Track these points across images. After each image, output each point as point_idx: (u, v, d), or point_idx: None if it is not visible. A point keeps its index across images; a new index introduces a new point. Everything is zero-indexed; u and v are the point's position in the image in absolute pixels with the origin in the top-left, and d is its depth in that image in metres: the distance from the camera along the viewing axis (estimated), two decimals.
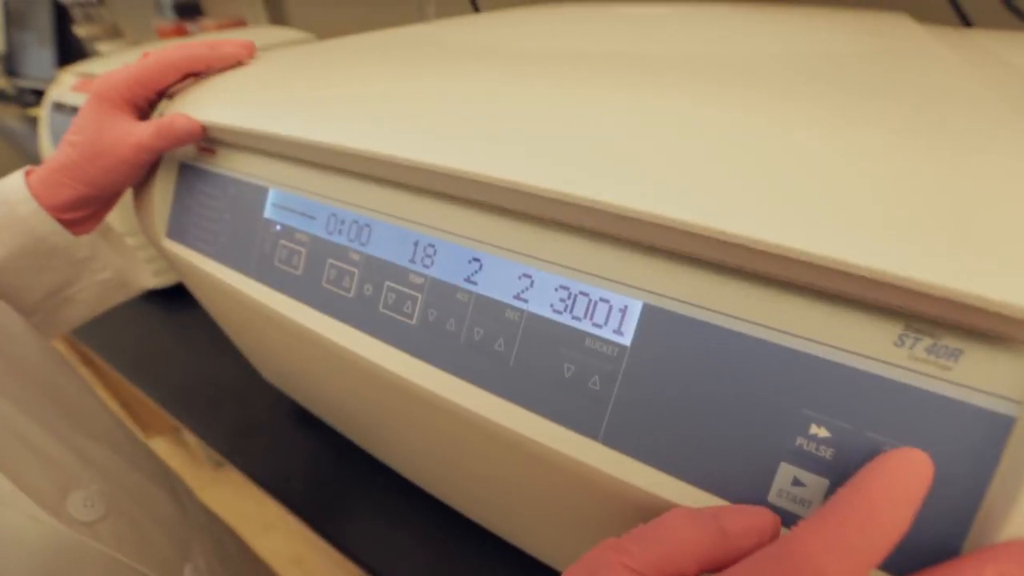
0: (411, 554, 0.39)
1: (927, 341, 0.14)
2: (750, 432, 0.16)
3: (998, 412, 0.13)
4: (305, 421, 0.49)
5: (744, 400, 0.16)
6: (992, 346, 0.13)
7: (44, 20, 1.45)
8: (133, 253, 0.40)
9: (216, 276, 0.30)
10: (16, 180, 0.32)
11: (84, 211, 0.33)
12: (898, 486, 0.13)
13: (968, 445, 0.13)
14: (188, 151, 0.34)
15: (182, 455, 1.44)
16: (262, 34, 0.79)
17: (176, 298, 0.70)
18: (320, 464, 0.47)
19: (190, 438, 1.36)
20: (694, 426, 0.16)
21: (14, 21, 1.59)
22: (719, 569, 0.14)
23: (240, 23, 1.16)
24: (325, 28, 1.13)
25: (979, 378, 0.13)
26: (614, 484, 0.17)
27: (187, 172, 0.34)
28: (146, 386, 0.61)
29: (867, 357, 0.14)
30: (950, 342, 0.14)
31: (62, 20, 1.47)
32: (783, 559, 0.13)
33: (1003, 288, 0.12)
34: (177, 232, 0.34)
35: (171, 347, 0.66)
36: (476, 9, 0.77)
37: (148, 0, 1.29)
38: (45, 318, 0.35)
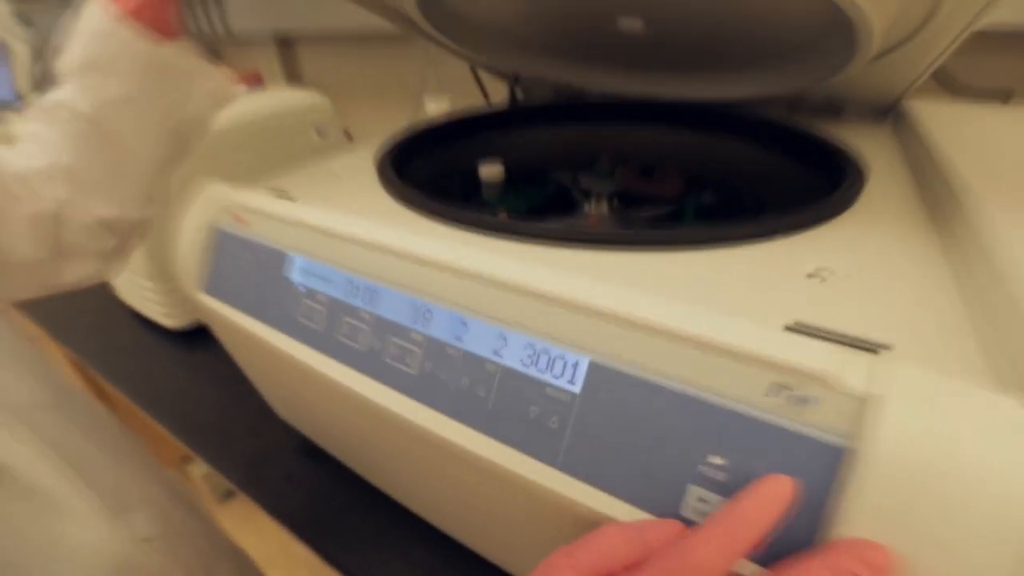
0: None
1: (787, 392, 0.19)
2: (667, 460, 0.21)
3: (834, 444, 0.18)
4: (312, 454, 0.54)
5: (663, 435, 0.21)
6: (828, 396, 0.18)
7: None
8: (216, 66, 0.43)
9: (246, 328, 0.36)
10: (100, 15, 0.35)
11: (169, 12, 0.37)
12: (762, 502, 0.18)
13: (815, 467, 0.18)
14: (224, 218, 0.39)
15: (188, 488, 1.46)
16: (280, 96, 0.87)
17: (188, 339, 0.75)
18: (325, 494, 0.51)
19: (196, 472, 1.39)
20: (627, 456, 0.21)
21: (44, 68, 1.69)
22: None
23: (256, 76, 1.24)
24: (333, 81, 1.22)
25: (822, 419, 0.18)
26: (567, 502, 0.22)
27: (222, 236, 0.39)
28: (162, 419, 0.65)
29: (747, 404, 0.20)
30: (801, 393, 0.19)
31: None
32: (676, 555, 0.18)
33: (816, 357, 0.17)
34: (211, 287, 0.39)
35: (184, 384, 0.71)
36: (480, 84, 0.85)
37: None
38: (178, 146, 0.40)
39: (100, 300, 0.87)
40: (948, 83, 0.60)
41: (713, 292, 0.25)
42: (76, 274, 0.38)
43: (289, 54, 1.26)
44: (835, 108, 0.58)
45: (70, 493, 0.25)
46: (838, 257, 0.28)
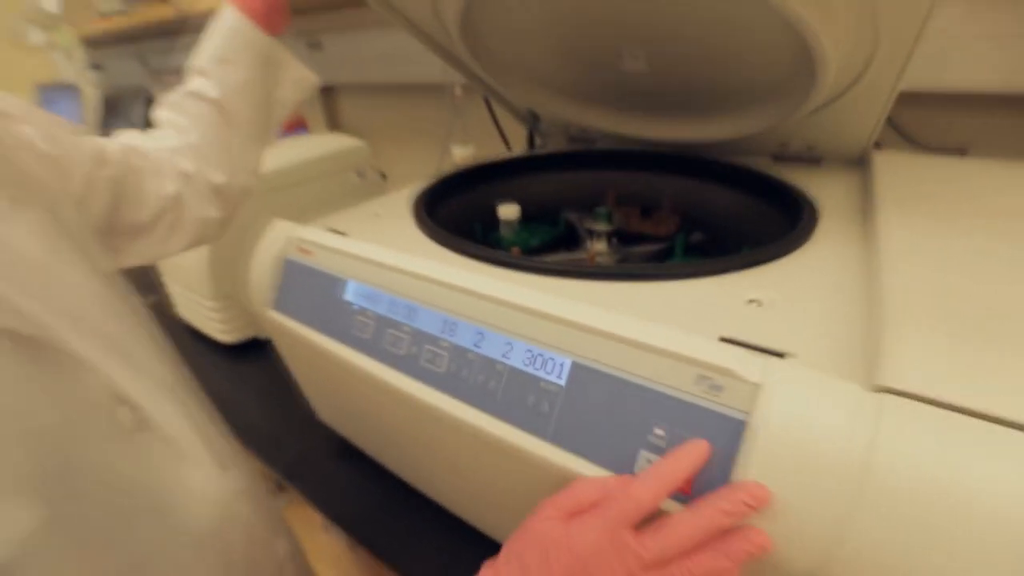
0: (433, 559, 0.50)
1: (708, 380, 0.27)
2: (625, 433, 0.28)
3: (738, 418, 0.26)
4: (347, 455, 0.62)
5: (623, 416, 0.29)
6: (734, 385, 0.26)
7: (139, 111, 1.71)
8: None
9: (308, 338, 0.45)
10: (230, 14, 0.48)
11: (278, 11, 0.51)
12: (683, 458, 0.26)
13: (727, 434, 0.26)
14: (291, 249, 0.49)
15: None
16: (324, 141, 0.99)
17: (235, 352, 0.85)
18: (358, 488, 0.59)
19: None
20: (597, 431, 0.29)
21: (111, 110, 1.87)
22: None
23: (301, 121, 1.38)
24: (369, 126, 1.34)
25: (730, 401, 0.26)
26: (554, 467, 0.30)
27: (289, 264, 0.49)
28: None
29: (682, 391, 0.27)
30: (716, 383, 0.27)
31: (151, 103, 1.75)
32: (623, 495, 0.25)
33: (728, 359, 0.25)
34: (279, 306, 0.49)
35: (231, 392, 0.80)
36: (501, 132, 0.96)
37: None
38: (267, 124, 0.53)
39: (157, 318, 0.98)
40: (911, 138, 0.68)
41: (672, 314, 0.33)
42: (182, 243, 0.49)
43: (330, 101, 1.40)
44: (815, 159, 0.66)
45: (193, 446, 0.33)
46: (775, 288, 0.35)
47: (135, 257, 0.47)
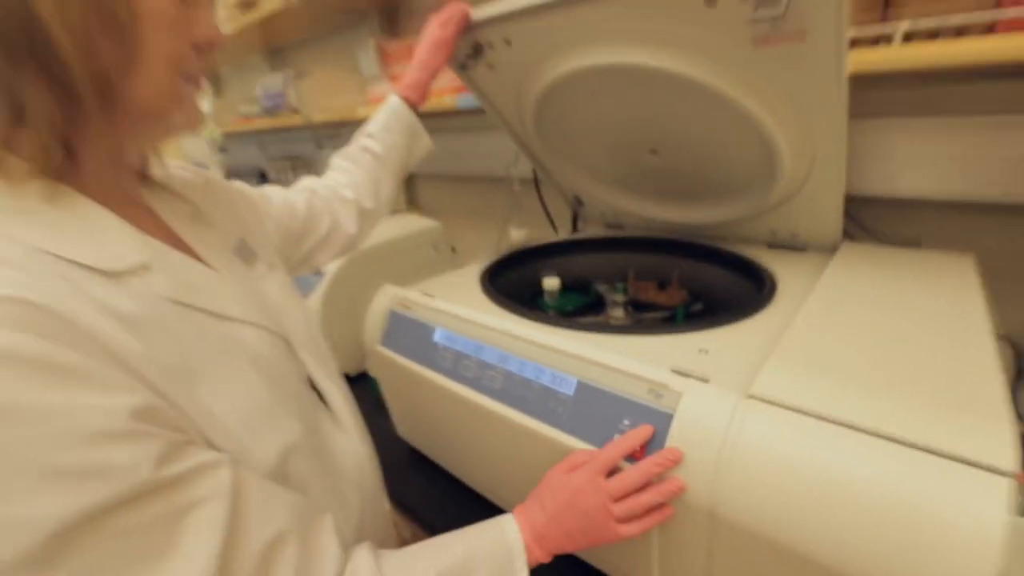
0: None
1: (654, 391, 0.45)
2: (606, 423, 0.47)
3: (668, 412, 0.44)
4: (418, 464, 0.81)
5: (604, 412, 0.47)
6: (668, 394, 0.44)
7: (251, 180, 2.11)
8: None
9: (406, 367, 0.66)
10: (395, 100, 0.75)
11: (421, 89, 0.75)
12: (635, 436, 0.44)
13: (662, 422, 0.44)
14: (396, 305, 0.71)
15: None
16: (408, 222, 1.25)
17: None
18: (427, 488, 0.78)
19: None
20: (589, 423, 0.48)
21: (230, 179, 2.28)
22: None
23: None
24: (443, 208, 1.62)
25: (665, 403, 0.44)
26: (564, 444, 0.49)
27: (394, 315, 0.71)
28: None
29: (639, 397, 0.46)
30: (659, 392, 0.45)
31: (264, 178, 2.14)
32: (598, 456, 0.44)
33: (662, 378, 0.44)
34: (386, 344, 0.71)
35: None
36: (549, 217, 1.19)
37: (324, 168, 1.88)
38: (404, 170, 0.79)
39: None
40: (873, 233, 0.85)
41: (647, 355, 0.51)
42: (331, 256, 0.74)
43: (411, 187, 1.70)
44: (800, 247, 0.83)
45: (346, 420, 0.53)
46: (721, 341, 0.53)
47: (304, 269, 0.71)
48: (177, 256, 0.41)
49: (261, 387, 0.41)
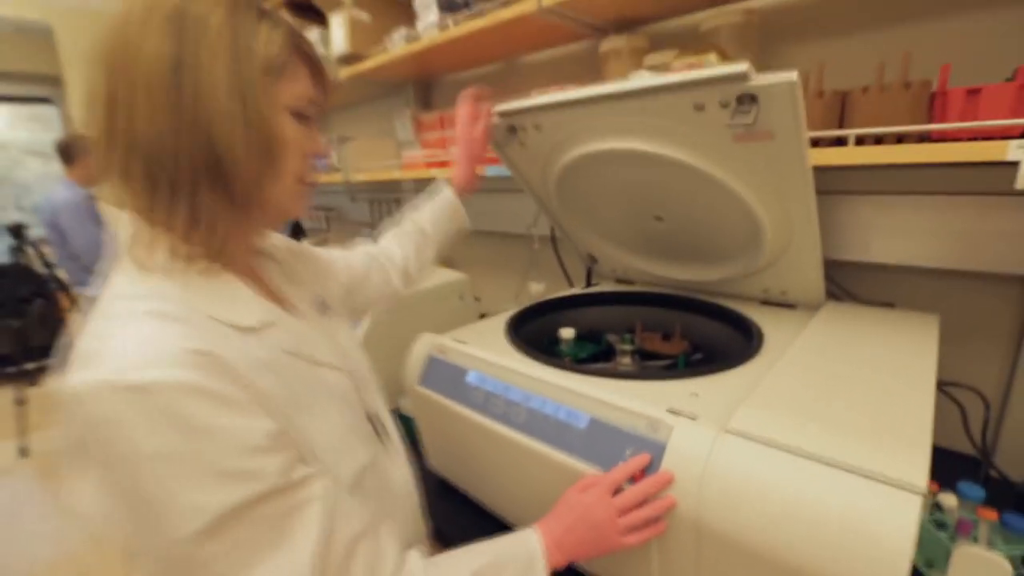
0: None
1: (652, 426, 0.56)
2: (613, 453, 0.57)
3: (662, 443, 0.54)
4: (445, 493, 0.90)
5: (611, 443, 0.58)
6: (662, 428, 0.55)
7: (283, 232, 2.30)
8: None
9: (442, 403, 0.77)
10: (448, 192, 0.89)
11: (470, 183, 0.89)
12: (636, 462, 0.54)
13: (657, 450, 0.54)
14: (433, 351, 0.83)
15: None
16: (439, 274, 1.39)
17: None
18: (458, 517, 0.87)
19: None
20: (598, 451, 0.58)
21: None
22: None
23: None
24: (468, 261, 1.75)
25: (660, 435, 0.55)
26: (577, 470, 0.59)
27: (431, 359, 0.83)
28: None
29: (639, 431, 0.56)
30: (655, 426, 0.55)
31: (297, 227, 2.31)
32: (606, 478, 0.55)
33: (659, 415, 0.55)
34: (424, 384, 0.82)
35: None
36: (565, 273, 1.31)
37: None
38: (444, 242, 0.92)
39: None
40: (852, 295, 0.95)
41: (647, 396, 0.61)
42: (380, 305, 0.87)
43: None
44: (790, 304, 0.94)
45: (398, 447, 0.64)
46: (711, 386, 0.64)
47: (355, 316, 0.83)
48: (287, 316, 0.54)
49: (340, 419, 0.53)
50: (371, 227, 2.20)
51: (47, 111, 4.57)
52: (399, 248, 0.88)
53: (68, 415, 0.39)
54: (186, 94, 0.42)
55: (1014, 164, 0.59)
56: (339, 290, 0.75)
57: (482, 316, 1.37)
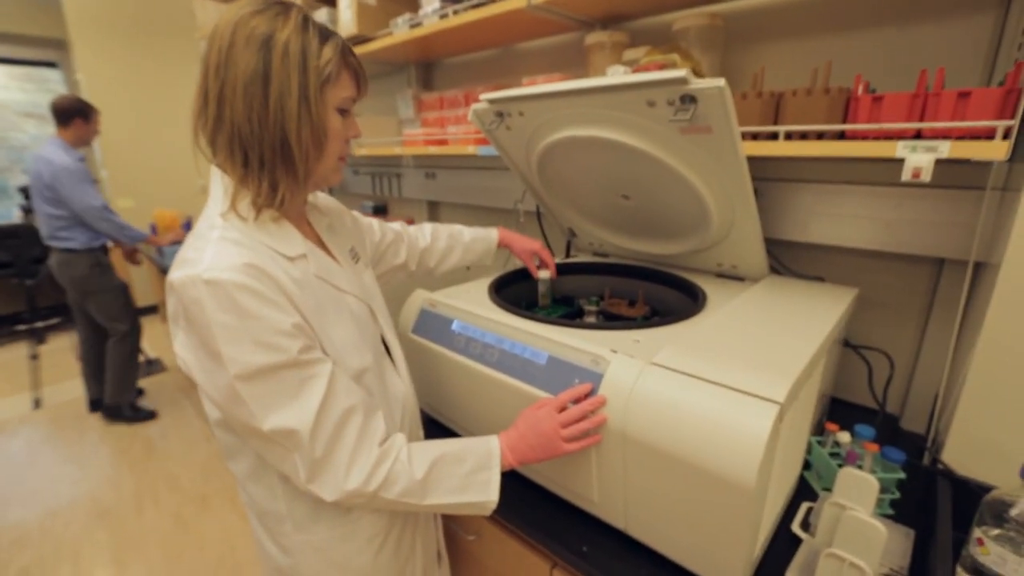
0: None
1: (595, 361, 0.70)
2: (563, 381, 0.72)
3: (601, 373, 0.68)
4: (432, 426, 1.05)
5: (563, 374, 0.72)
6: (602, 362, 0.69)
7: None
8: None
9: (432, 348, 0.91)
10: (495, 232, 1.13)
11: (508, 247, 1.09)
12: (576, 389, 0.69)
13: (596, 379, 0.68)
14: (426, 304, 0.97)
15: None
16: None
17: None
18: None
19: None
20: (553, 381, 0.73)
21: None
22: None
23: (412, 221, 1.95)
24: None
25: (600, 368, 0.69)
26: (536, 395, 0.73)
27: (424, 311, 0.97)
28: None
29: (585, 364, 0.71)
30: (597, 361, 0.70)
31: None
32: (554, 400, 0.69)
33: (600, 352, 0.69)
34: (417, 332, 0.96)
35: None
36: (547, 243, 1.44)
37: (357, 191, 2.16)
38: (464, 263, 1.10)
39: None
40: (790, 270, 1.09)
41: (597, 340, 0.76)
42: (396, 277, 1.04)
43: (435, 211, 1.98)
44: (739, 277, 1.08)
45: (400, 366, 0.79)
46: (652, 335, 0.78)
47: (382, 281, 0.98)
48: (323, 254, 0.70)
49: (355, 331, 0.69)
50: (372, 199, 2.32)
51: (43, 71, 4.31)
52: (430, 238, 1.06)
53: (172, 296, 0.57)
54: (271, 100, 0.57)
55: (902, 160, 0.72)
56: (371, 248, 0.94)
57: None
